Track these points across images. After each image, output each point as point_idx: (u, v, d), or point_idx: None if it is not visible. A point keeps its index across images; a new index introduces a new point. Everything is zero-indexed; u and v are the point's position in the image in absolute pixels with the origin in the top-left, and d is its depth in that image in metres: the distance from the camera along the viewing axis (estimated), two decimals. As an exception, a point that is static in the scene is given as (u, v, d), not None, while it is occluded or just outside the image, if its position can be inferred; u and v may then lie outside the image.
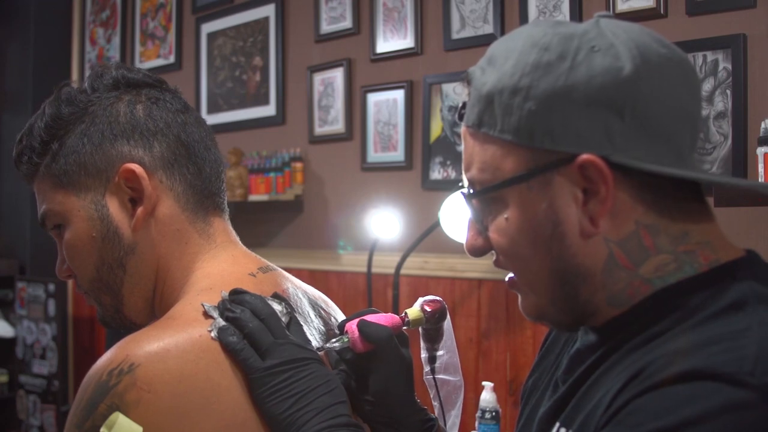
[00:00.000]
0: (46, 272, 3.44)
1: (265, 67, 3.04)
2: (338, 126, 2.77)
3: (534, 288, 0.73)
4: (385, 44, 2.61)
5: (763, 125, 1.65)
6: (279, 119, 2.98)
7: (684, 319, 0.65)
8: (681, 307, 0.66)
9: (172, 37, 3.46)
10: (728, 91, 1.87)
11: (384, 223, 2.47)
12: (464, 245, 0.77)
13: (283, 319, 0.82)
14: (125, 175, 0.86)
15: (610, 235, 0.68)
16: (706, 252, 0.69)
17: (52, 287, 3.43)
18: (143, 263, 0.88)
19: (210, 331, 0.78)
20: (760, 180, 1.62)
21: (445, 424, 0.98)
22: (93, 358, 0.86)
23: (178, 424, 0.72)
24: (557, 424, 0.72)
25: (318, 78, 2.83)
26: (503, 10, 2.31)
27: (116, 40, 3.72)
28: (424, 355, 0.98)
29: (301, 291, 0.94)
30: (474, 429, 1.98)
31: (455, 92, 2.42)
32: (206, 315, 0.80)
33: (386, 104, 2.61)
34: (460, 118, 0.75)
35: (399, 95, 2.56)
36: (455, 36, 2.41)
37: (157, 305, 0.90)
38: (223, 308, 0.80)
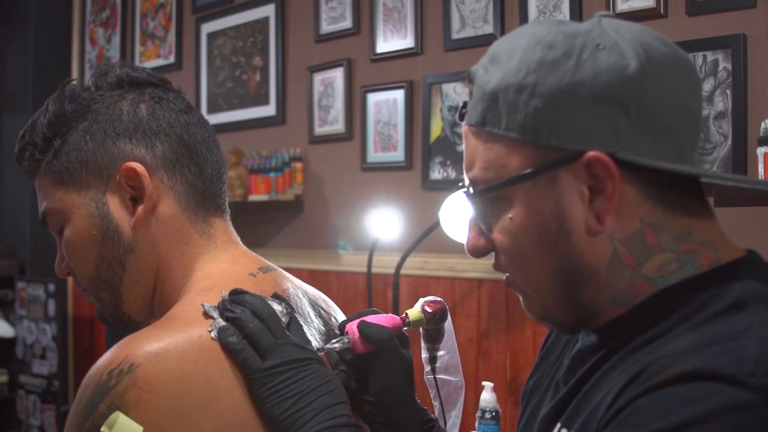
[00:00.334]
0: (46, 272, 3.44)
1: (265, 67, 3.03)
2: (338, 126, 2.76)
3: (537, 288, 0.72)
4: (385, 44, 2.61)
5: (763, 125, 1.65)
6: (279, 119, 2.98)
7: (685, 319, 0.65)
8: (682, 307, 0.66)
9: (172, 37, 3.46)
10: (728, 91, 1.87)
11: (384, 223, 2.47)
12: (465, 246, 0.77)
13: (283, 319, 0.82)
14: (126, 173, 0.86)
15: (615, 232, 0.68)
16: (707, 252, 0.69)
17: (52, 287, 3.43)
18: (143, 262, 0.88)
19: (210, 332, 0.78)
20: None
21: (446, 425, 0.98)
22: (93, 358, 0.86)
23: (178, 424, 0.72)
24: (558, 425, 0.72)
25: (318, 78, 2.83)
26: (503, 10, 2.31)
27: (116, 40, 3.72)
28: (424, 355, 0.98)
29: (301, 291, 0.94)
30: (474, 429, 1.98)
31: (455, 92, 2.42)
32: (206, 315, 0.80)
33: (386, 104, 2.61)
34: (461, 117, 0.75)
35: (399, 95, 2.56)
36: (455, 36, 2.41)
37: (156, 305, 0.90)
38: (223, 308, 0.80)
